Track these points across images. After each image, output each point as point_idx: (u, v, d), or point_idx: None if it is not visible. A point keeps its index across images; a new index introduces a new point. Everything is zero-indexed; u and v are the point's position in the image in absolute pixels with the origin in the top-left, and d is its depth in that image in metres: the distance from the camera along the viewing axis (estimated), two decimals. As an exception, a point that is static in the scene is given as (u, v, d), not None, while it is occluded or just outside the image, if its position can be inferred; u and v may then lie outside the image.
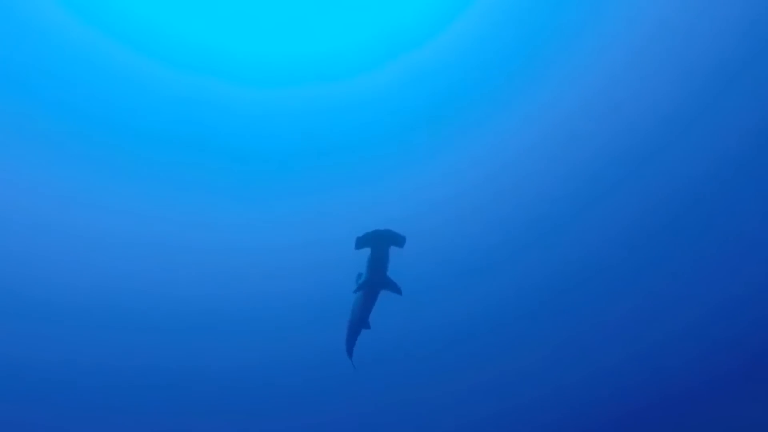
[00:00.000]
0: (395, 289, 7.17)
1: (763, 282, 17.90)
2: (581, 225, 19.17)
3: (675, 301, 18.72)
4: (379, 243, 6.94)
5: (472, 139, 18.48)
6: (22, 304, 17.68)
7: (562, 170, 18.52)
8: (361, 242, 6.96)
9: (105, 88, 16.16)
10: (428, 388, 19.16)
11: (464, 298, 19.58)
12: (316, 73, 16.83)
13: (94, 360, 18.08)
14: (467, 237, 19.48)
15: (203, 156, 18.10)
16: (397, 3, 15.69)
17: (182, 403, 18.30)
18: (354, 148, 18.41)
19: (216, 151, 18.04)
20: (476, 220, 19.38)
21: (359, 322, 7.61)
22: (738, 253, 18.12)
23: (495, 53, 16.55)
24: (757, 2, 14.82)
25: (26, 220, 17.29)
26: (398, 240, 7.00)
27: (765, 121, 16.55)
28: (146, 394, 18.24)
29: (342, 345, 8.15)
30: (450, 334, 19.70)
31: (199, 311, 19.00)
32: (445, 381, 19.22)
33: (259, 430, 18.32)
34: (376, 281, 7.11)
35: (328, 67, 16.80)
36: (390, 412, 19.01)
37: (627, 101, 17.34)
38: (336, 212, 18.66)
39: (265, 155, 18.25)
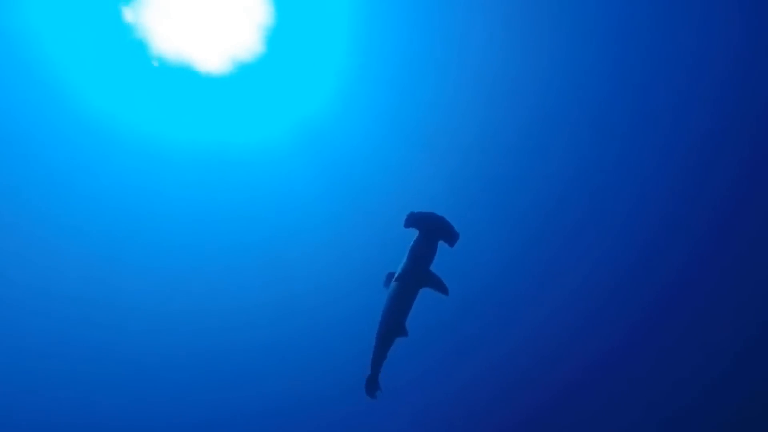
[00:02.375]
0: (440, 286, 5.99)
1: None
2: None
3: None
4: (432, 229, 5.84)
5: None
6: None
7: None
8: (412, 220, 5.84)
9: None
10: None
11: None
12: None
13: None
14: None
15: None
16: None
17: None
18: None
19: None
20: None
21: (394, 326, 6.18)
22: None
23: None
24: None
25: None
26: (451, 235, 5.90)
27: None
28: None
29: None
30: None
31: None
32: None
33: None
34: (417, 272, 5.87)
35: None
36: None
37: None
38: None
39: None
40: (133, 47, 14.53)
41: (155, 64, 14.66)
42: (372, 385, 6.65)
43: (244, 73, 15.69)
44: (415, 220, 5.85)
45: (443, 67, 16.60)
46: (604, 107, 17.06)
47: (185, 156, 16.43)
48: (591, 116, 17.23)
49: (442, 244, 5.95)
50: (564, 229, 18.58)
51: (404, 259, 5.97)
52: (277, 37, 15.22)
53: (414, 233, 5.91)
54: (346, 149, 17.36)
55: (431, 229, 5.85)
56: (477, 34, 16.14)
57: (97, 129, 15.50)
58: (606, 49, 16.36)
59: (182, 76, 15.33)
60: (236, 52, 15.32)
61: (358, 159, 17.63)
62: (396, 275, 6.01)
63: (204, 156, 16.53)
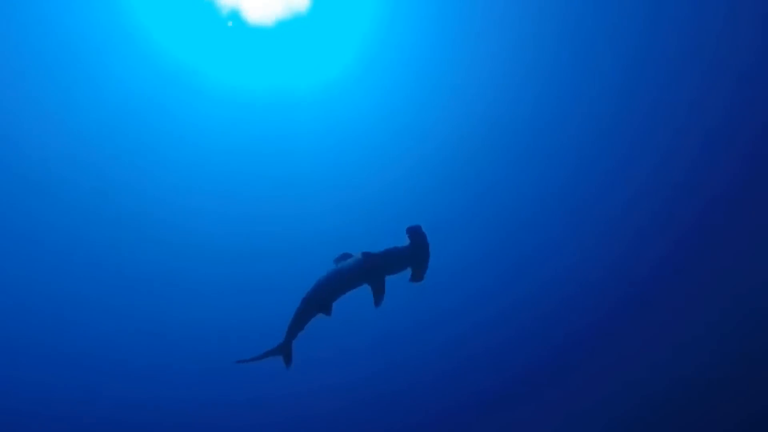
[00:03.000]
0: (379, 293, 5.89)
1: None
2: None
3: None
4: (418, 256, 5.79)
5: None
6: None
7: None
8: (414, 233, 5.76)
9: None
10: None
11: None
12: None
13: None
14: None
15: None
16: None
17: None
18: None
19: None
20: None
21: (322, 298, 6.07)
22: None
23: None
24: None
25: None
26: (419, 275, 5.89)
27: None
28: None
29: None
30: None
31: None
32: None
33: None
34: (377, 268, 5.82)
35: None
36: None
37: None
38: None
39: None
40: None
41: (229, 24, 16.93)
42: (284, 353, 6.42)
43: (291, 26, 17.48)
44: (416, 235, 5.76)
45: (473, 23, 17.76)
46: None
47: (238, 97, 18.68)
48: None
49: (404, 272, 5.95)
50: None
51: (376, 250, 5.88)
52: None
53: (404, 240, 5.84)
54: (378, 101, 19.25)
55: (417, 255, 5.78)
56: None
57: (167, 72, 17.85)
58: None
59: (239, 26, 17.32)
60: (284, 6, 17.05)
61: (388, 112, 19.52)
62: (360, 254, 5.93)
63: (253, 98, 18.72)
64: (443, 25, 17.63)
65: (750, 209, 18.82)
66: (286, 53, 17.86)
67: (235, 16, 16.98)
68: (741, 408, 16.50)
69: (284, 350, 6.40)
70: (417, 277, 5.88)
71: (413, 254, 5.76)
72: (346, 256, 6.16)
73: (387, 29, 17.73)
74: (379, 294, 5.88)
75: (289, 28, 17.38)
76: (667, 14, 16.91)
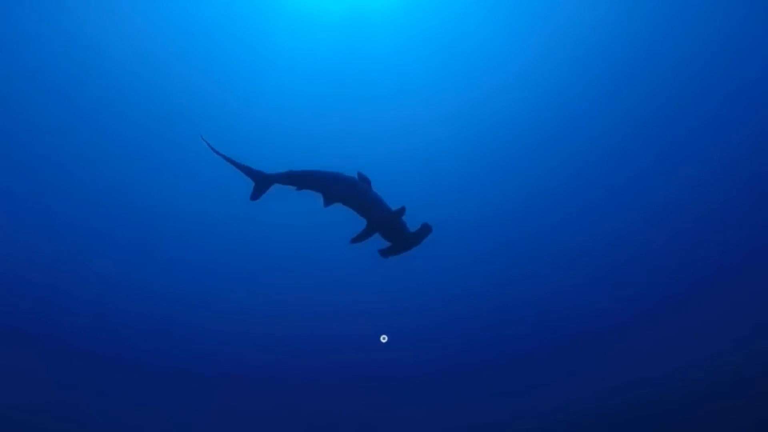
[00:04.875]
0: (364, 236, 6.33)
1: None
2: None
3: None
4: (408, 243, 6.31)
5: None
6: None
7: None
8: (423, 229, 6.28)
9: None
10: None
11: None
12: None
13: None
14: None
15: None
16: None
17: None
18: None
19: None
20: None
21: (328, 188, 6.31)
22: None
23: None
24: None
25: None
26: (394, 252, 6.33)
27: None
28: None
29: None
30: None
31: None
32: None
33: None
34: (380, 220, 6.26)
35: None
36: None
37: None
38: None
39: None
40: None
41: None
42: (260, 186, 6.49)
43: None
44: (422, 232, 6.25)
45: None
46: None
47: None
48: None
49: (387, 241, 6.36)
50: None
51: (405, 225, 6.34)
52: None
53: (417, 229, 6.28)
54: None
55: (406, 244, 6.28)
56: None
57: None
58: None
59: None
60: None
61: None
62: (398, 210, 6.22)
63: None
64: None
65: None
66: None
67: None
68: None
69: (263, 183, 6.46)
70: (387, 253, 6.35)
71: (405, 239, 6.28)
72: (366, 179, 6.50)
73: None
74: (364, 236, 6.32)
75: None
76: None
